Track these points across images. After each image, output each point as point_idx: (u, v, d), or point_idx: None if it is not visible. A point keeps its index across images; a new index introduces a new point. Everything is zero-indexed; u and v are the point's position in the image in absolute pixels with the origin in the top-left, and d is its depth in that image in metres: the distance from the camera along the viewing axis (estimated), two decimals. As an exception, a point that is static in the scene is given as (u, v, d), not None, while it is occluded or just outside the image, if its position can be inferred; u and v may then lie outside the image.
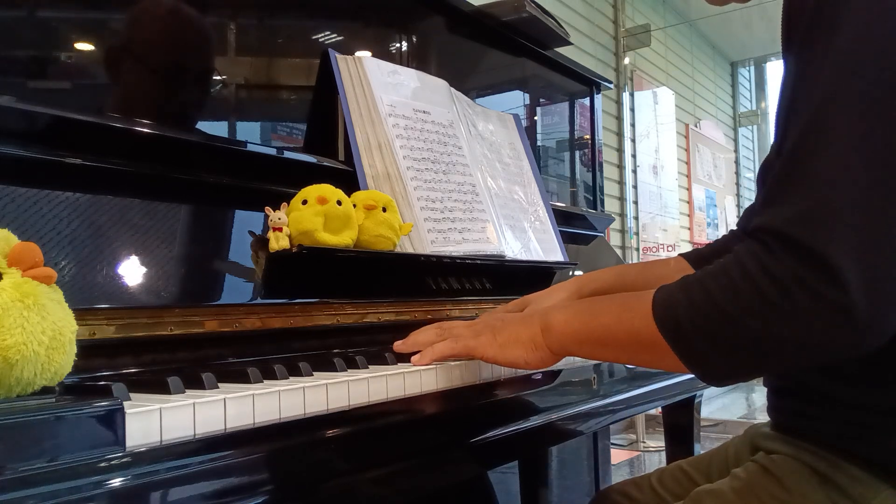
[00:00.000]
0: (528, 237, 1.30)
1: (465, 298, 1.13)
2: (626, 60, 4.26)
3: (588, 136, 1.84)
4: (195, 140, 0.87)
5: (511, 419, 0.80)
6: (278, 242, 0.83)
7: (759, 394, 5.15)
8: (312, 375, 0.68)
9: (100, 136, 0.77)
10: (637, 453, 3.53)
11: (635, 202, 4.30)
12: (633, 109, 4.32)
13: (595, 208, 1.84)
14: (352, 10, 1.19)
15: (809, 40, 0.58)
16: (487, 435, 0.76)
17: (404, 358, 0.79)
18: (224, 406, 0.54)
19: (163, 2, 0.92)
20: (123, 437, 0.46)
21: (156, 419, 0.49)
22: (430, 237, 1.06)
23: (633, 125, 4.31)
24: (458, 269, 1.13)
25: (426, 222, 1.07)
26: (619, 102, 4.22)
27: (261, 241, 0.85)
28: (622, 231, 4.17)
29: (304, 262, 0.87)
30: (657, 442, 3.63)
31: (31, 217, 0.68)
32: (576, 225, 1.64)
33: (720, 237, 1.08)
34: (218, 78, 0.97)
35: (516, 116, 1.47)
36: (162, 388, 0.57)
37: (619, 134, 4.18)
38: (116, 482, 0.44)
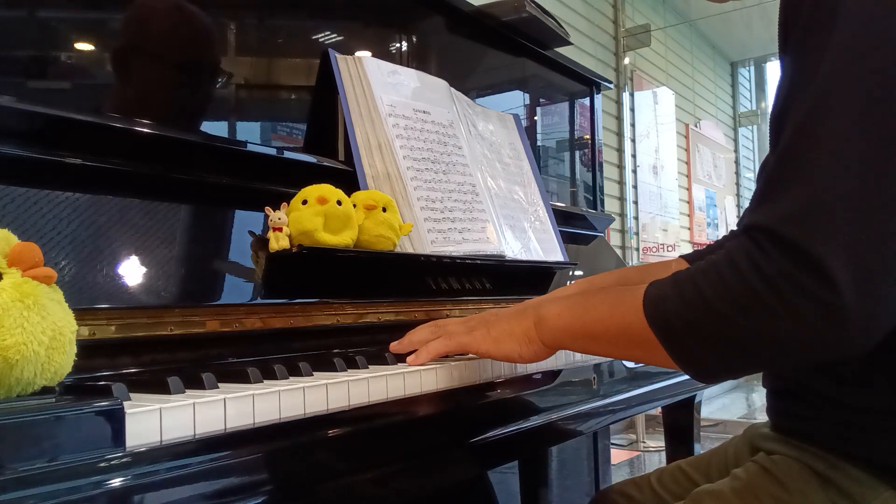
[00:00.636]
0: (528, 237, 1.30)
1: (465, 298, 1.13)
2: (626, 60, 4.26)
3: (588, 136, 1.84)
4: (195, 140, 0.87)
5: (511, 419, 0.80)
6: (278, 242, 0.83)
7: (759, 394, 5.15)
8: (312, 375, 0.68)
9: (100, 136, 0.77)
10: (637, 453, 3.53)
11: (635, 202, 4.30)
12: (633, 109, 4.32)
13: (595, 208, 1.84)
14: (352, 10, 1.19)
15: (805, 39, 0.59)
16: (487, 435, 0.76)
17: (404, 358, 0.79)
18: (224, 406, 0.54)
19: (163, 1, 0.92)
20: (123, 437, 0.46)
21: (156, 419, 0.49)
22: (430, 237, 1.06)
23: (633, 125, 4.31)
24: (458, 269, 1.13)
25: (426, 222, 1.07)
26: (619, 102, 4.22)
27: (261, 241, 0.85)
28: (622, 231, 4.17)
29: (304, 262, 0.87)
30: (657, 442, 3.63)
31: (31, 217, 0.68)
32: (576, 225, 1.64)
33: (720, 237, 1.08)
34: (218, 78, 0.97)
35: (516, 116, 1.47)
36: (162, 388, 0.57)
37: (619, 134, 4.18)
38: (116, 482, 0.44)
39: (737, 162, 6.46)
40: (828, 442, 0.68)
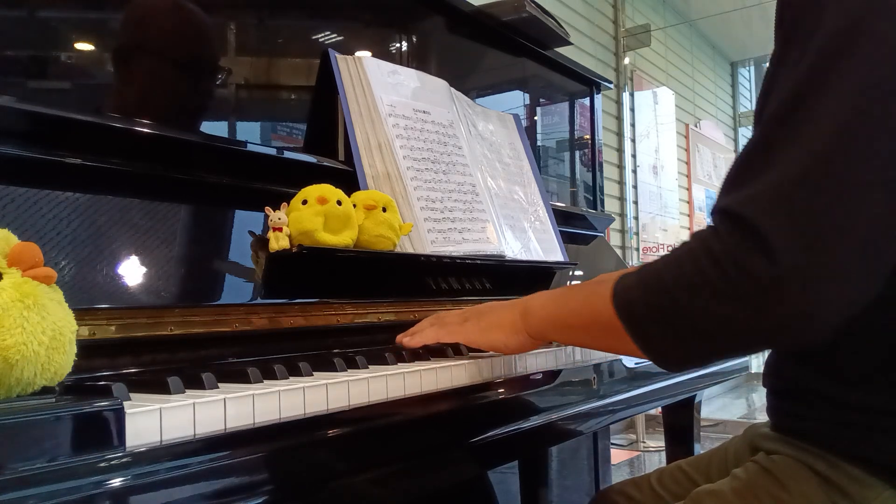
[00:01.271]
0: (528, 237, 1.30)
1: (465, 298, 1.13)
2: (626, 60, 4.26)
3: (588, 136, 1.84)
4: (195, 140, 0.87)
5: (511, 419, 0.80)
6: (278, 242, 0.83)
7: (759, 394, 5.15)
8: (312, 375, 0.67)
9: (100, 136, 0.77)
10: (637, 453, 3.53)
11: (635, 202, 4.30)
12: (633, 109, 4.32)
13: (595, 208, 1.84)
14: (352, 10, 1.19)
15: (791, 35, 0.60)
16: (487, 435, 0.76)
17: (404, 358, 0.79)
18: (224, 406, 0.54)
19: (163, 1, 0.92)
20: (123, 437, 0.46)
21: (156, 419, 0.49)
22: (430, 237, 1.06)
23: (633, 125, 4.31)
24: (458, 269, 1.13)
25: (426, 222, 1.07)
26: (619, 102, 4.22)
27: (261, 241, 0.85)
28: (622, 231, 4.17)
29: (304, 262, 0.87)
30: (657, 442, 3.63)
31: (31, 217, 0.68)
32: (576, 225, 1.64)
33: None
34: (218, 77, 0.97)
35: (516, 116, 1.47)
36: (162, 388, 0.57)
37: (619, 134, 4.18)
38: (116, 482, 0.44)
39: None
40: (828, 442, 0.68)
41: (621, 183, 4.16)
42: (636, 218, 4.31)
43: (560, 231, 1.41)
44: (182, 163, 0.84)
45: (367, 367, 0.74)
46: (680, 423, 1.50)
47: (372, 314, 0.96)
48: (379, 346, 0.91)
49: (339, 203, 0.87)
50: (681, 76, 5.32)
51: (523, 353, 0.83)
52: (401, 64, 1.20)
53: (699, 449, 1.46)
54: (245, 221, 0.88)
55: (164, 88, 0.92)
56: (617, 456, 3.34)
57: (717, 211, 0.59)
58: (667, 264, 0.62)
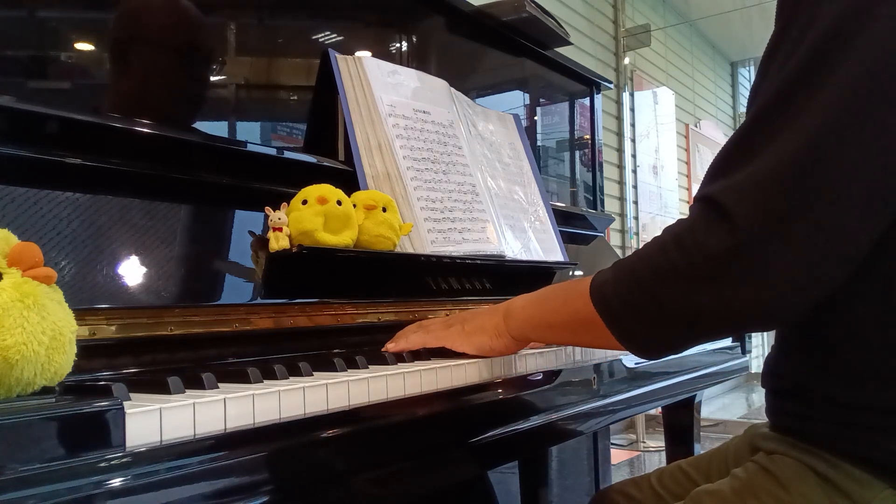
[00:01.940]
0: (528, 237, 1.30)
1: (465, 298, 1.13)
2: (626, 60, 4.26)
3: (588, 136, 1.84)
4: (195, 140, 0.87)
5: (511, 419, 0.80)
6: (278, 242, 0.83)
7: (759, 394, 5.15)
8: (312, 375, 0.67)
9: (100, 136, 0.77)
10: (637, 453, 3.53)
11: (635, 202, 4.30)
12: (633, 109, 4.32)
13: (595, 208, 1.84)
14: (352, 10, 1.19)
15: (783, 33, 0.62)
16: (487, 435, 0.76)
17: (404, 358, 0.79)
18: (224, 406, 0.54)
19: (162, 1, 0.92)
20: (123, 437, 0.46)
21: (156, 419, 0.49)
22: (430, 237, 1.06)
23: (633, 125, 4.31)
24: (458, 269, 1.13)
25: (426, 222, 1.07)
26: (619, 102, 4.22)
27: (261, 241, 0.85)
28: (622, 231, 4.17)
29: (304, 262, 0.87)
30: (657, 442, 3.63)
31: (31, 217, 0.68)
32: (576, 225, 1.64)
33: None
34: (218, 78, 0.97)
35: (516, 116, 1.47)
36: (162, 388, 0.57)
37: (619, 134, 4.18)
38: (116, 482, 0.44)
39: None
40: (827, 441, 0.68)
41: (621, 183, 4.16)
42: (636, 218, 4.31)
43: (560, 231, 1.41)
44: (182, 163, 0.84)
45: (367, 367, 0.74)
46: (680, 423, 1.50)
47: (372, 314, 0.96)
48: (379, 346, 0.91)
49: (339, 203, 0.87)
50: (681, 76, 5.32)
51: (509, 355, 0.84)
52: (401, 64, 1.20)
53: (699, 449, 1.46)
54: (245, 221, 0.88)
55: (163, 88, 0.92)
56: (617, 456, 3.34)
57: (696, 199, 0.61)
58: (640, 256, 0.64)
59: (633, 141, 4.31)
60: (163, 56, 0.91)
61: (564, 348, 0.96)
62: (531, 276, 1.31)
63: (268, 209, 0.84)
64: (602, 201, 1.87)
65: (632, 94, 4.32)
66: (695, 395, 1.44)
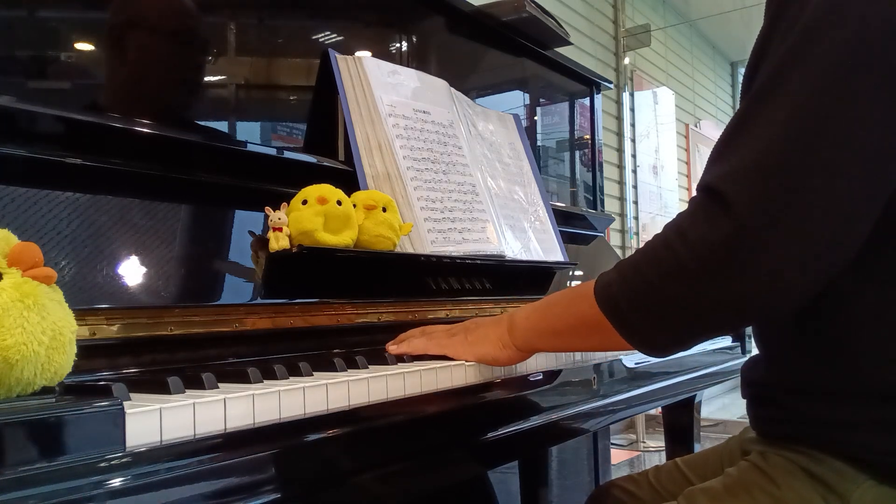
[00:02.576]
0: (528, 237, 1.30)
1: (465, 298, 1.13)
2: (626, 60, 4.26)
3: (588, 136, 1.84)
4: (195, 140, 0.87)
5: (511, 419, 0.80)
6: (278, 242, 0.83)
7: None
8: (312, 375, 0.67)
9: (100, 136, 0.77)
10: (637, 453, 3.52)
11: (635, 202, 4.30)
12: (633, 109, 4.32)
13: (595, 208, 1.84)
14: (352, 10, 1.19)
15: (771, 24, 0.62)
16: (487, 435, 0.76)
17: (404, 358, 0.79)
18: (224, 406, 0.54)
19: (163, 1, 0.92)
20: (123, 437, 0.46)
21: (156, 419, 0.49)
22: (430, 237, 1.06)
23: (633, 125, 4.31)
24: (458, 269, 1.13)
25: (426, 222, 1.07)
26: (619, 102, 4.21)
27: (261, 241, 0.85)
28: (622, 231, 4.17)
29: (304, 262, 0.87)
30: (657, 442, 3.63)
31: (31, 217, 0.68)
32: (576, 225, 1.64)
33: None
34: (218, 78, 0.97)
35: (516, 116, 1.47)
36: (162, 388, 0.57)
37: (619, 134, 4.18)
38: (116, 482, 0.44)
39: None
40: (809, 441, 0.69)
41: (621, 183, 4.16)
42: (636, 218, 4.30)
43: (560, 231, 1.41)
44: (182, 163, 0.84)
45: (367, 367, 0.74)
46: (680, 423, 1.50)
47: (372, 314, 0.96)
48: (379, 347, 0.91)
49: (339, 203, 0.87)
50: (681, 76, 5.32)
51: (513, 365, 0.83)
52: (401, 64, 1.20)
53: (699, 449, 1.45)
54: (245, 221, 0.88)
55: (163, 89, 0.92)
56: (617, 456, 3.34)
57: (698, 188, 0.61)
58: (643, 253, 0.64)
59: (633, 141, 4.31)
60: (163, 56, 0.91)
61: (564, 348, 0.96)
62: (531, 276, 1.31)
63: (268, 209, 0.84)
64: (602, 201, 1.87)
65: (632, 94, 4.31)
66: (695, 395, 1.44)
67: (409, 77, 1.18)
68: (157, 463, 0.46)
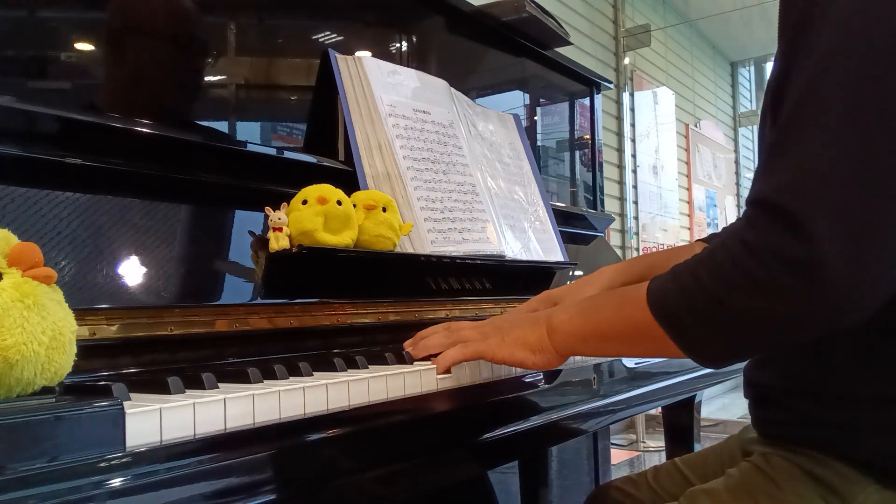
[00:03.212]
0: (528, 237, 1.30)
1: (465, 298, 1.13)
2: (626, 60, 4.26)
3: (588, 136, 1.84)
4: (195, 140, 0.87)
5: (511, 419, 0.80)
6: (278, 242, 0.83)
7: (759, 394, 5.13)
8: (312, 375, 0.67)
9: (100, 136, 0.77)
10: (637, 453, 3.53)
11: (635, 202, 4.30)
12: (633, 109, 4.32)
13: (595, 208, 1.84)
14: (352, 10, 1.19)
15: (805, 20, 0.60)
16: (487, 435, 0.76)
17: (404, 358, 0.79)
18: (224, 406, 0.54)
19: (163, 1, 0.92)
20: (123, 437, 0.46)
21: (156, 419, 0.49)
22: (430, 237, 1.06)
23: (633, 125, 4.31)
24: (458, 269, 1.13)
25: (426, 222, 1.07)
26: (619, 102, 4.21)
27: (261, 241, 0.85)
28: (622, 231, 4.17)
29: (304, 262, 0.87)
30: (657, 442, 3.63)
31: (31, 217, 0.68)
32: (576, 225, 1.64)
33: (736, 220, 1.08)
34: (218, 78, 0.97)
35: (516, 116, 1.47)
36: (162, 388, 0.57)
37: (619, 134, 4.18)
38: (116, 482, 0.44)
39: (737, 162, 6.45)
40: (813, 443, 0.68)
41: (621, 183, 4.16)
42: (636, 218, 4.30)
43: (560, 231, 1.41)
44: (182, 163, 0.84)
45: (367, 367, 0.74)
46: (680, 423, 1.50)
47: (372, 314, 0.96)
48: (379, 347, 0.91)
49: (339, 203, 0.87)
50: (681, 76, 5.32)
51: (551, 369, 0.80)
52: (401, 64, 1.20)
53: (699, 449, 1.45)
54: (245, 221, 0.88)
55: (163, 89, 0.92)
56: (617, 456, 3.34)
57: (749, 202, 0.59)
58: (701, 261, 0.61)
59: (633, 141, 4.31)
60: (163, 56, 0.91)
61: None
62: (531, 276, 1.31)
63: (268, 209, 0.84)
64: (602, 201, 1.87)
65: (632, 94, 4.31)
66: (695, 395, 1.44)
67: (409, 77, 1.18)
68: (157, 463, 0.46)
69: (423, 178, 1.10)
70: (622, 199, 4.16)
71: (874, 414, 0.64)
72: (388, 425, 0.65)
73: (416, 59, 1.28)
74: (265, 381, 0.63)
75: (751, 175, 6.53)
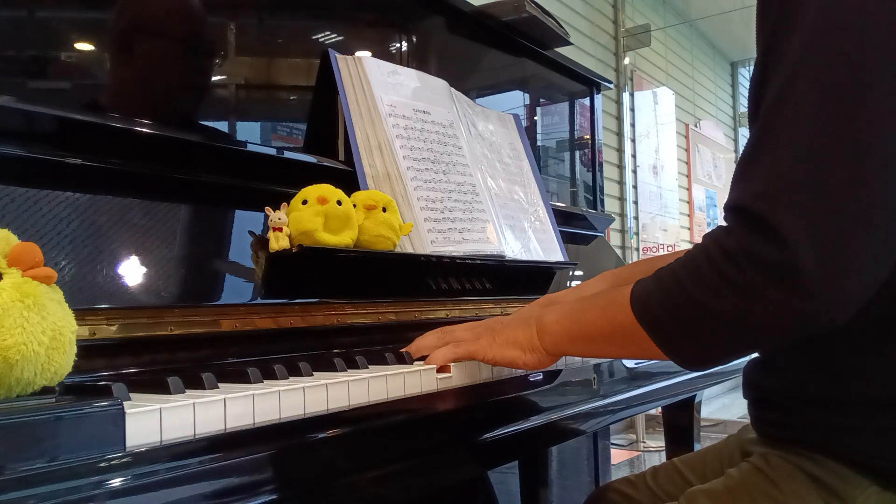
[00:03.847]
0: (528, 237, 1.30)
1: (465, 298, 1.13)
2: (626, 60, 4.26)
3: (588, 136, 1.84)
4: (195, 140, 0.87)
5: (511, 419, 0.80)
6: (278, 242, 0.83)
7: (759, 394, 5.12)
8: (312, 375, 0.67)
9: (100, 136, 0.77)
10: (637, 453, 3.53)
11: (635, 202, 4.30)
12: (633, 109, 4.32)
13: (595, 208, 1.84)
14: (352, 11, 1.19)
15: (778, 25, 0.60)
16: (487, 435, 0.76)
17: (404, 358, 0.79)
18: (224, 406, 0.54)
19: (163, 2, 0.92)
20: (123, 437, 0.46)
21: (156, 419, 0.49)
22: (430, 237, 1.06)
23: (633, 125, 4.31)
24: (458, 269, 1.13)
25: (426, 222, 1.07)
26: (619, 102, 4.21)
27: (261, 241, 0.85)
28: (622, 231, 4.17)
29: (304, 262, 0.87)
30: (657, 442, 3.63)
31: (31, 217, 0.68)
32: (576, 225, 1.64)
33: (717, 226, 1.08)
34: (218, 78, 0.97)
35: (516, 116, 1.47)
36: (162, 388, 0.57)
37: (619, 134, 4.18)
38: (116, 482, 0.44)
39: (737, 162, 6.45)
40: (813, 445, 0.69)
41: (621, 183, 4.16)
42: (636, 218, 4.30)
43: (560, 231, 1.41)
44: (182, 163, 0.84)
45: (367, 367, 0.74)
46: (680, 423, 1.50)
47: (372, 314, 0.96)
48: (379, 346, 0.91)
49: (339, 203, 0.87)
50: (681, 76, 5.32)
51: (541, 369, 0.81)
52: (401, 64, 1.20)
53: (699, 449, 1.45)
54: (245, 221, 0.88)
55: (163, 89, 0.92)
56: (617, 456, 3.34)
57: (726, 207, 0.60)
58: (683, 265, 0.62)
59: (633, 141, 4.31)
60: (163, 56, 0.91)
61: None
62: (531, 276, 1.31)
63: (268, 209, 0.84)
64: (602, 201, 1.87)
65: (632, 94, 4.31)
66: (695, 395, 1.44)
67: (409, 77, 1.18)
68: (157, 463, 0.46)
69: (423, 178, 1.10)
70: (622, 199, 4.16)
71: (875, 417, 0.64)
72: (388, 425, 0.65)
73: (416, 59, 1.28)
74: (265, 381, 0.63)
75: (751, 175, 6.52)
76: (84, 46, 0.82)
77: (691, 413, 1.48)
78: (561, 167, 1.77)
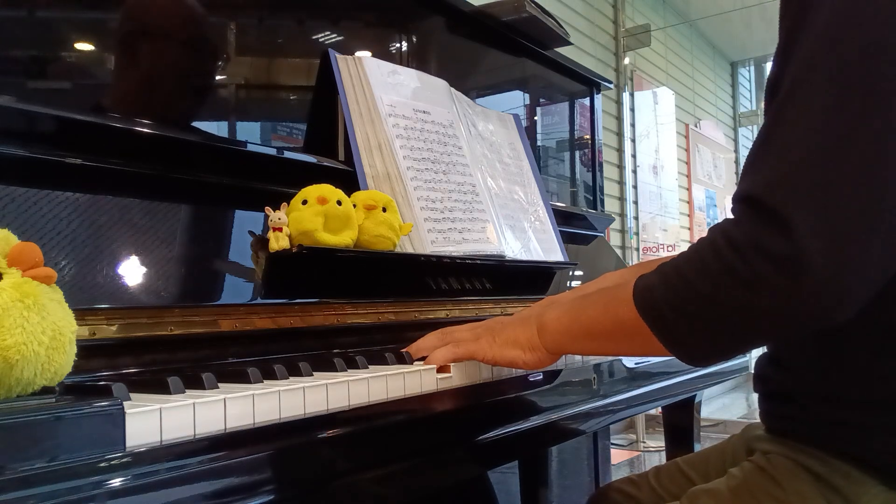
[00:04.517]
0: (528, 237, 1.30)
1: (465, 298, 1.13)
2: (626, 60, 4.26)
3: (588, 136, 1.84)
4: (195, 140, 0.87)
5: (511, 419, 0.80)
6: (278, 242, 0.83)
7: (759, 394, 5.12)
8: (312, 375, 0.67)
9: (100, 136, 0.77)
10: (637, 453, 3.53)
11: (635, 202, 4.30)
12: (633, 109, 4.32)
13: (595, 208, 1.84)
14: (352, 11, 1.19)
15: (797, 19, 0.60)
16: (487, 435, 0.76)
17: (404, 358, 0.79)
18: (224, 406, 0.54)
19: (163, 2, 0.92)
20: (123, 437, 0.46)
21: (156, 419, 0.49)
22: (430, 237, 1.06)
23: (633, 125, 4.31)
24: (458, 269, 1.13)
25: (426, 222, 1.07)
26: (619, 102, 4.21)
27: (261, 241, 0.85)
28: (622, 231, 4.17)
29: (304, 262, 0.87)
30: (657, 442, 3.63)
31: (31, 217, 0.68)
32: (576, 225, 1.64)
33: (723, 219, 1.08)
34: (218, 78, 0.97)
35: (516, 116, 1.47)
36: (162, 388, 0.57)
37: (619, 134, 4.18)
38: (116, 482, 0.44)
39: (737, 162, 6.45)
40: (821, 442, 0.68)
41: (621, 183, 4.16)
42: (636, 218, 4.30)
43: (560, 231, 1.41)
44: (182, 163, 0.84)
45: (367, 367, 0.74)
46: (680, 423, 1.50)
47: (372, 314, 0.96)
48: (379, 347, 0.91)
49: (339, 203, 0.87)
50: (681, 76, 5.32)
51: (542, 368, 0.81)
52: (401, 64, 1.20)
53: (699, 449, 1.45)
54: (245, 221, 0.88)
55: (164, 88, 0.92)
56: (617, 456, 3.34)
57: (735, 198, 0.59)
58: (687, 258, 0.61)
59: (633, 141, 4.31)
60: (163, 56, 0.91)
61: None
62: (531, 276, 1.31)
63: (268, 209, 0.84)
64: (602, 201, 1.87)
65: (632, 94, 4.31)
66: (695, 395, 1.44)
67: (409, 77, 1.18)
68: (157, 463, 0.46)
69: (423, 178, 1.10)
70: (622, 199, 4.16)
71: (884, 415, 0.64)
72: (388, 425, 0.65)
73: (416, 59, 1.28)
74: (265, 381, 0.63)
75: (751, 175, 6.52)
76: (84, 46, 0.82)
77: (691, 413, 1.48)
78: (561, 167, 1.77)
